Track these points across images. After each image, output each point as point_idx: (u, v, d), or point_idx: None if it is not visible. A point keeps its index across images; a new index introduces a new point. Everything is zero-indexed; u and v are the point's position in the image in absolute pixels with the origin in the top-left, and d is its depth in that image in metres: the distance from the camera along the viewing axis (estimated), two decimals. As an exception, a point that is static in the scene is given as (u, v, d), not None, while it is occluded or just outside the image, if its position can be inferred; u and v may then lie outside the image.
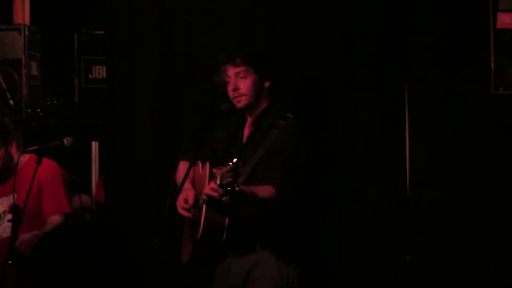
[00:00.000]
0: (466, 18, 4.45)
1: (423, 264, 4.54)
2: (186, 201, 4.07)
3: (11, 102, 5.30)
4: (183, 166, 4.22)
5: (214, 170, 3.87)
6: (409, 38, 4.55)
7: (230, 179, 3.67)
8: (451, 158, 4.51)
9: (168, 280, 4.82)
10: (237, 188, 3.73)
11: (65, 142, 4.46)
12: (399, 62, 4.59)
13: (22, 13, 5.69)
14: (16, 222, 4.29)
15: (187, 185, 4.13)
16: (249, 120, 4.25)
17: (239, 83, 4.14)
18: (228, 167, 3.68)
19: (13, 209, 4.31)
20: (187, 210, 4.07)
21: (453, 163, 4.50)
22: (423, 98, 4.56)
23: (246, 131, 4.24)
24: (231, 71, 4.15)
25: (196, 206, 4.09)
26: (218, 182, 3.72)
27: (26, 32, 5.37)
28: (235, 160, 3.68)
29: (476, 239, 4.45)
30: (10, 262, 4.24)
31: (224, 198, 3.80)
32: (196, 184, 4.18)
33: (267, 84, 4.19)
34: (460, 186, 4.49)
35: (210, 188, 3.80)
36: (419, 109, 4.56)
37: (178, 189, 4.08)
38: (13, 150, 4.72)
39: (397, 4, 4.56)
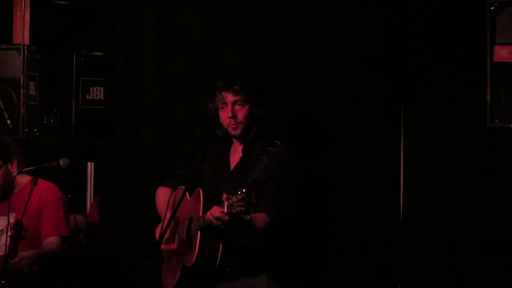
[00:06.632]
0: (464, 50, 4.48)
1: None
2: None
3: (9, 121, 5.31)
4: (163, 193, 4.26)
5: (223, 198, 3.78)
6: (408, 70, 4.57)
7: (242, 209, 3.63)
8: (446, 188, 4.52)
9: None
10: (247, 218, 3.67)
11: (61, 163, 4.49)
12: (396, 94, 4.60)
13: (22, 33, 5.70)
14: (17, 239, 4.32)
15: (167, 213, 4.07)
16: (237, 147, 4.22)
17: (237, 111, 4.12)
18: (239, 196, 3.64)
19: (16, 225, 4.32)
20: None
21: (448, 193, 4.51)
22: (419, 128, 4.57)
23: (233, 158, 4.22)
24: (229, 98, 4.13)
25: (180, 232, 4.09)
26: (225, 210, 3.68)
27: (26, 52, 5.39)
28: (245, 190, 3.64)
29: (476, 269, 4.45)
30: (3, 281, 4.27)
31: (221, 225, 3.77)
32: (180, 210, 4.08)
33: (258, 112, 4.18)
34: (455, 218, 4.48)
35: (215, 216, 3.76)
36: (415, 140, 4.57)
37: (164, 218, 4.04)
38: (14, 169, 4.74)
39: (397, 36, 4.58)
